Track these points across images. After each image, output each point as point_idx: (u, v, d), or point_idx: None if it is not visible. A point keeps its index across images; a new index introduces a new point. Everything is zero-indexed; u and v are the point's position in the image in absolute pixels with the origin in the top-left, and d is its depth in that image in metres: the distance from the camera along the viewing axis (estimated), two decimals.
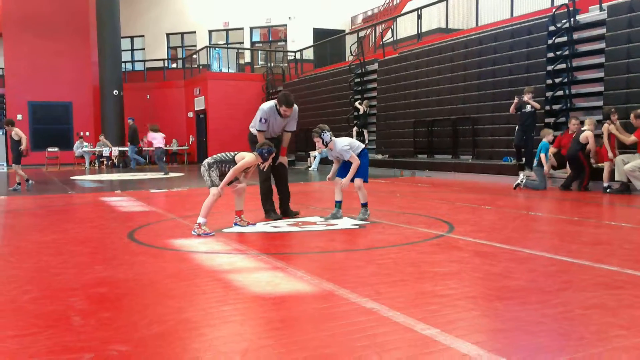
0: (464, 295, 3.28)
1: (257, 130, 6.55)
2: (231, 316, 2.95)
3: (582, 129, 9.27)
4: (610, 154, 8.91)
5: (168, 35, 28.88)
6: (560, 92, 11.22)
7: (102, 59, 23.01)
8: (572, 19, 11.13)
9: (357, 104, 17.12)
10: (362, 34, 21.42)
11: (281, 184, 6.85)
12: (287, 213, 6.80)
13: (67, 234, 5.95)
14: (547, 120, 11.13)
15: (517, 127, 10.90)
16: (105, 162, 21.61)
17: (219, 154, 5.88)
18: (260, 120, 6.52)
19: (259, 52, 28.20)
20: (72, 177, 15.75)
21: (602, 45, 10.66)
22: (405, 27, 18.20)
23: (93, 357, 2.41)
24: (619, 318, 2.79)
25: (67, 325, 2.83)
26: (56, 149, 21.99)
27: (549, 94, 11.25)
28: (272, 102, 6.61)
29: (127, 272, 4.00)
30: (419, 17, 16.54)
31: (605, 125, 9.11)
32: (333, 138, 6.21)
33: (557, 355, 2.35)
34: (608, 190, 8.85)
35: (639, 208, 7.40)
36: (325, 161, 17.46)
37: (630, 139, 8.73)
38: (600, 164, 9.20)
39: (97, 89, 23.65)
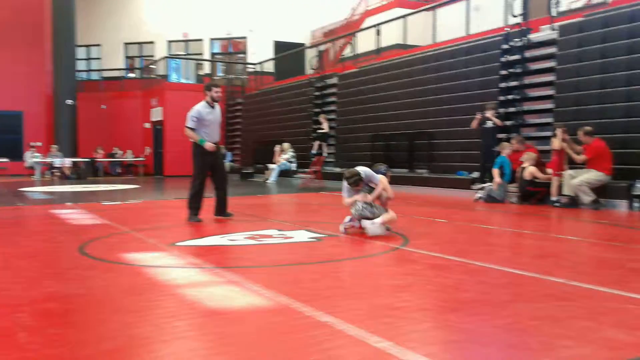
0: (417, 307, 3.33)
1: (188, 127, 7.21)
2: (184, 331, 2.91)
3: (523, 166, 9.58)
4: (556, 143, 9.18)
5: (126, 44, 28.44)
6: (512, 109, 11.55)
7: (56, 68, 22.45)
8: (524, 38, 11.50)
9: (321, 117, 17.05)
10: (322, 48, 21.59)
11: (224, 184, 7.50)
12: (224, 214, 7.36)
13: (15, 247, 5.75)
14: (499, 135, 11.43)
15: (481, 143, 11.20)
16: (56, 173, 21.04)
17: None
18: (194, 119, 7.20)
19: (219, 63, 28.07)
20: (21, 189, 15.26)
21: (553, 63, 11.04)
22: (365, 42, 18.43)
23: None
24: (566, 329, 2.88)
25: (13, 342, 2.73)
26: (6, 160, 21.29)
27: (502, 110, 11.57)
28: (201, 103, 7.36)
29: (77, 287, 3.90)
30: (378, 32, 16.79)
31: (554, 139, 9.38)
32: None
33: None
34: (556, 204, 9.13)
35: (586, 222, 7.66)
36: (283, 174, 17.45)
37: (581, 157, 9.03)
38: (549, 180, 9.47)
39: (50, 99, 23.05)
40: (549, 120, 10.87)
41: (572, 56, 10.61)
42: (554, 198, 9.23)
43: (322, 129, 16.71)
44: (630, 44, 9.72)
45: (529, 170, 9.43)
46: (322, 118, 16.89)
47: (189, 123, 7.22)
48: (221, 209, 7.45)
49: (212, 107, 7.34)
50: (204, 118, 7.21)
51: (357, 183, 6.04)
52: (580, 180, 8.78)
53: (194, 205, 7.31)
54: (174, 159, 22.49)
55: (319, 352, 2.56)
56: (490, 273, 4.26)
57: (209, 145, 7.16)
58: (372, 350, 2.58)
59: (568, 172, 9.09)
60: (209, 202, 7.59)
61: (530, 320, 3.03)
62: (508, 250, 5.51)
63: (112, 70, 27.62)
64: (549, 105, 11.02)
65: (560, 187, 9.18)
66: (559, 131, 9.24)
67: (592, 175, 8.77)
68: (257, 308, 3.34)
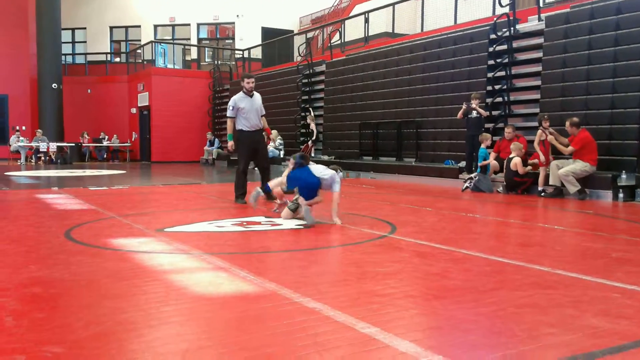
0: (403, 294, 3.35)
1: (228, 116, 7.86)
2: (171, 317, 2.91)
3: (510, 156, 9.64)
4: (542, 158, 9.29)
5: (111, 28, 28.10)
6: (499, 99, 11.60)
7: (40, 51, 22.16)
8: (512, 28, 11.52)
9: (309, 119, 16.89)
10: (310, 35, 21.49)
11: (264, 163, 8.20)
12: (266, 188, 7.58)
13: (0, 232, 5.71)
14: (487, 125, 11.49)
15: (466, 133, 11.23)
16: (42, 158, 20.84)
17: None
18: (230, 108, 7.77)
19: (206, 49, 27.84)
20: (7, 173, 15.09)
21: (540, 54, 11.08)
22: (353, 30, 18.38)
23: (25, 358, 2.33)
24: (549, 316, 2.92)
25: None
26: None
27: (489, 100, 11.61)
28: (239, 92, 7.92)
29: (63, 272, 3.88)
30: (366, 20, 16.74)
31: (539, 131, 9.49)
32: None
33: (490, 352, 2.44)
34: (542, 194, 9.22)
35: (571, 211, 7.75)
36: (271, 161, 17.37)
37: (568, 149, 9.09)
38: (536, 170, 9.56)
39: (34, 82, 22.75)
40: (536, 110, 10.93)
41: (559, 47, 10.66)
42: (540, 188, 9.31)
43: (311, 129, 16.55)
44: (616, 36, 9.78)
45: (514, 161, 9.50)
46: (309, 119, 16.74)
47: (228, 112, 7.84)
48: (263, 182, 7.97)
49: (250, 95, 7.86)
50: (239, 106, 7.72)
51: None
52: (566, 170, 8.86)
53: (238, 188, 7.95)
54: (161, 144, 22.35)
55: (306, 337, 2.57)
56: (476, 261, 4.30)
57: (230, 144, 7.86)
58: (359, 335, 2.61)
59: (554, 163, 9.17)
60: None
61: (514, 308, 3.07)
62: (493, 239, 5.57)
63: (98, 54, 27.30)
64: (535, 95, 11.08)
65: (546, 177, 9.27)
66: (544, 122, 9.33)
67: (578, 166, 8.85)
68: (245, 294, 3.35)
